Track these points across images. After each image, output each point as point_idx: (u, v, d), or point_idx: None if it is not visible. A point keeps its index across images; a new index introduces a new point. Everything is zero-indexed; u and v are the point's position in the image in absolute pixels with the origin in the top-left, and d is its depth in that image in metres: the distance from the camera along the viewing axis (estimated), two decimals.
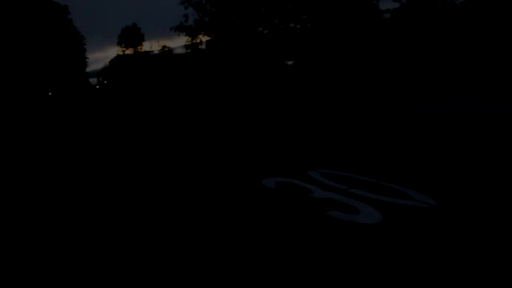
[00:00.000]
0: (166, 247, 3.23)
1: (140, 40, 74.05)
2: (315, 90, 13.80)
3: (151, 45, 75.79)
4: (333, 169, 5.95)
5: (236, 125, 14.45)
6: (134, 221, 3.90)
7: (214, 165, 7.04)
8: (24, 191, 5.12)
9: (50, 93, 26.65)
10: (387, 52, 14.62)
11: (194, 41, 28.41)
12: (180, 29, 26.81)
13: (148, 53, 70.29)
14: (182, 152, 8.47)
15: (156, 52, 66.06)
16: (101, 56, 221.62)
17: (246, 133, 12.33)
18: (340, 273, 2.71)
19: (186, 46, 30.40)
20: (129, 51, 74.76)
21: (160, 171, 6.42)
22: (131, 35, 74.85)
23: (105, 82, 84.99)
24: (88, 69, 60.27)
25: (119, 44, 74.45)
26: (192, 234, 3.53)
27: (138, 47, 73.97)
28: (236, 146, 9.53)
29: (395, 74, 15.47)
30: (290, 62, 17.70)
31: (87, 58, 46.16)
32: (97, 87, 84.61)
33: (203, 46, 29.65)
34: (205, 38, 28.01)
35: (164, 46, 62.04)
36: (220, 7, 24.28)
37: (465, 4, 14.17)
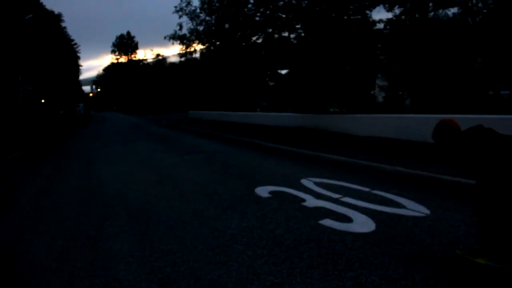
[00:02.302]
0: None
1: (134, 48, 74.06)
2: (308, 98, 13.84)
3: (145, 53, 75.51)
4: (326, 178, 5.94)
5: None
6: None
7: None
8: None
9: (43, 101, 26.46)
10: (380, 61, 14.76)
11: (188, 49, 28.42)
12: (174, 37, 26.86)
13: (142, 61, 70.22)
14: None
15: (150, 60, 66.04)
16: (96, 63, 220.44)
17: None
18: (332, 279, 2.69)
19: (180, 55, 30.38)
20: (123, 59, 74.59)
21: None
22: (125, 43, 74.81)
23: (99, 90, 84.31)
24: (82, 77, 60.06)
25: (113, 52, 74.37)
26: None
27: (132, 55, 73.95)
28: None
29: (390, 83, 15.61)
30: (284, 71, 17.82)
31: (81, 66, 45.99)
32: (91, 94, 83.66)
33: (197, 55, 29.68)
34: (199, 47, 28.08)
35: (158, 55, 62.12)
36: (214, 16, 24.47)
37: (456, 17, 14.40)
